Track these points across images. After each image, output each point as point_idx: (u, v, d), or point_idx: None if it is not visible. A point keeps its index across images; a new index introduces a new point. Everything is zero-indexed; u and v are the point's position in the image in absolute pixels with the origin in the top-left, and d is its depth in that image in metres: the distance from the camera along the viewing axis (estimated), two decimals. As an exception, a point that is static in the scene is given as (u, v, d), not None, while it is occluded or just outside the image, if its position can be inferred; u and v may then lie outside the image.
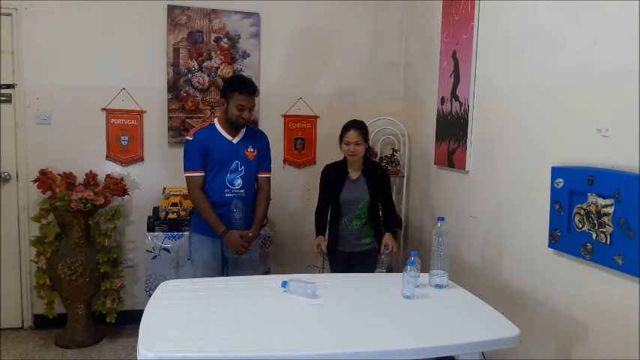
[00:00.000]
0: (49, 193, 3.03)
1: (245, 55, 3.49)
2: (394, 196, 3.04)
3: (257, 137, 2.73)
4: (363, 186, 2.76)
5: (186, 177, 2.59)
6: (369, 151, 2.89)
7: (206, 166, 2.58)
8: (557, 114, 2.06)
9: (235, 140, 2.63)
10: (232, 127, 2.60)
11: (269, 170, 2.75)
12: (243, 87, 2.54)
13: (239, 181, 2.61)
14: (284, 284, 1.99)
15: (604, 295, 1.81)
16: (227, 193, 2.59)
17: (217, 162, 2.58)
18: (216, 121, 2.65)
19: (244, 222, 2.59)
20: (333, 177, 2.80)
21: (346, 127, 2.74)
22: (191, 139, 2.58)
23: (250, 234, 2.60)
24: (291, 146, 3.67)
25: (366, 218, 2.78)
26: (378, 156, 3.67)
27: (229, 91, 2.55)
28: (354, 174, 2.78)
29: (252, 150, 2.66)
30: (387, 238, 2.71)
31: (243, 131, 2.66)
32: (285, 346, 1.55)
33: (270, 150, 2.77)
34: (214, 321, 1.71)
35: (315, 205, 2.89)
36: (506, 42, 2.43)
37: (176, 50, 3.37)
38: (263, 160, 2.72)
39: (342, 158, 2.82)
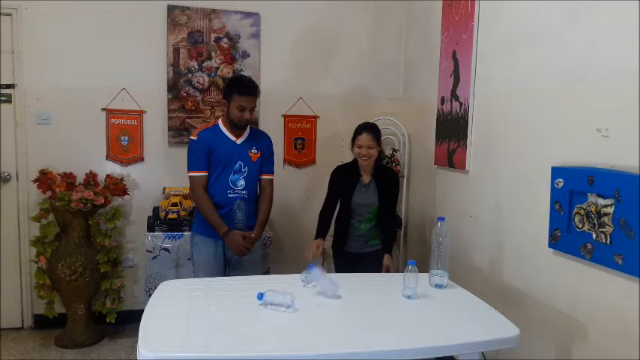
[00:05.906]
0: (49, 193, 3.03)
1: (245, 55, 3.49)
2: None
3: (261, 139, 2.72)
4: (374, 191, 2.72)
5: (190, 177, 2.59)
6: (382, 155, 2.81)
7: (209, 166, 2.58)
8: (557, 114, 2.06)
9: (239, 141, 2.62)
10: (236, 127, 2.60)
11: (272, 172, 2.74)
12: (242, 88, 2.53)
13: (242, 182, 2.60)
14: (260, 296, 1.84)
15: (604, 295, 1.81)
16: (230, 193, 2.58)
17: (220, 162, 2.57)
18: (220, 121, 2.64)
19: (246, 223, 2.58)
20: (345, 180, 2.75)
21: (359, 130, 2.69)
22: (195, 138, 2.58)
23: (252, 235, 2.59)
24: (291, 146, 3.66)
25: (376, 221, 2.75)
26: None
27: (229, 92, 2.55)
28: (365, 178, 2.74)
29: (256, 151, 2.66)
30: (387, 260, 2.67)
31: (247, 132, 2.65)
32: (285, 346, 1.55)
33: (273, 152, 2.76)
34: (214, 321, 1.71)
35: (318, 205, 2.86)
36: (506, 42, 2.43)
37: (176, 50, 3.37)
38: (266, 162, 2.71)
39: (352, 160, 2.79)
